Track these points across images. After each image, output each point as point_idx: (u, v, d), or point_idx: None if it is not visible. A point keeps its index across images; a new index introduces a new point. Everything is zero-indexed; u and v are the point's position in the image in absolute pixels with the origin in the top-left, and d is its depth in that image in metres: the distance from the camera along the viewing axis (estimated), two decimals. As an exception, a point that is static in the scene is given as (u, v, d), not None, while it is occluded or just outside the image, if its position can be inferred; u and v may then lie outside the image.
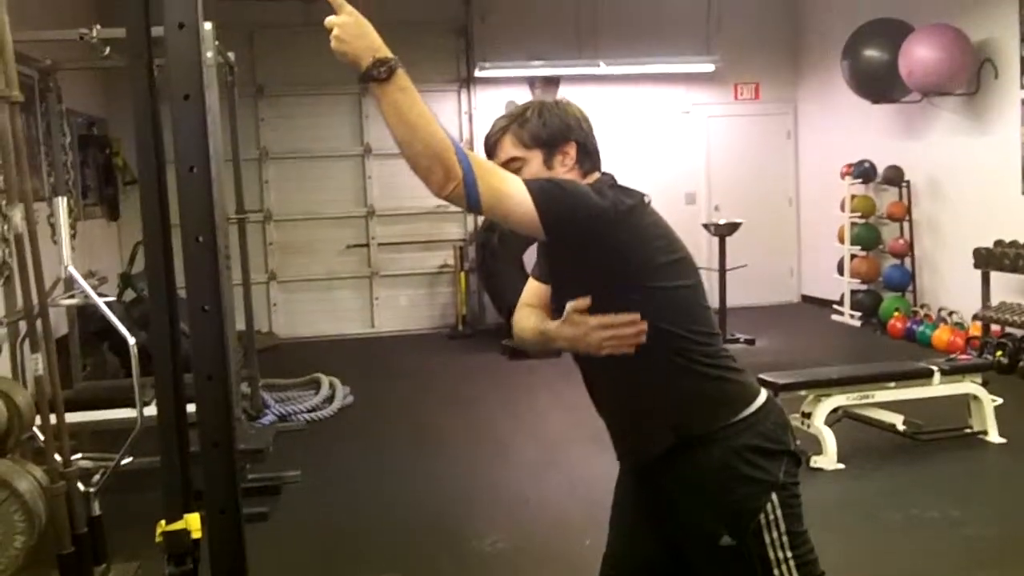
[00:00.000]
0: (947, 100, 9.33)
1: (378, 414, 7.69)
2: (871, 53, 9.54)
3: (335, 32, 2.02)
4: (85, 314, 6.68)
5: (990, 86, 8.90)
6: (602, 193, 2.24)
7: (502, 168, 2.36)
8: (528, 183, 2.16)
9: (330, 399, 7.87)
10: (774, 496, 2.26)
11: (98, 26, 5.64)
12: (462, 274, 11.43)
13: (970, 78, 8.96)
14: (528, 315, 2.48)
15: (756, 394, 2.35)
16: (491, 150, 2.46)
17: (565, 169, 2.41)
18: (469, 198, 2.07)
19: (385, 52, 2.02)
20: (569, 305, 2.25)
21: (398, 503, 5.60)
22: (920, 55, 8.81)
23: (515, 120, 2.43)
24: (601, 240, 2.20)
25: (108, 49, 5.77)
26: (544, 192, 2.16)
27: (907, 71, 8.94)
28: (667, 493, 2.36)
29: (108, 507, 4.44)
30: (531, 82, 11.68)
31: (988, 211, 8.99)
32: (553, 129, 2.41)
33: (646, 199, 2.33)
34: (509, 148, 2.41)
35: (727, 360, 2.36)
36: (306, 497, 5.71)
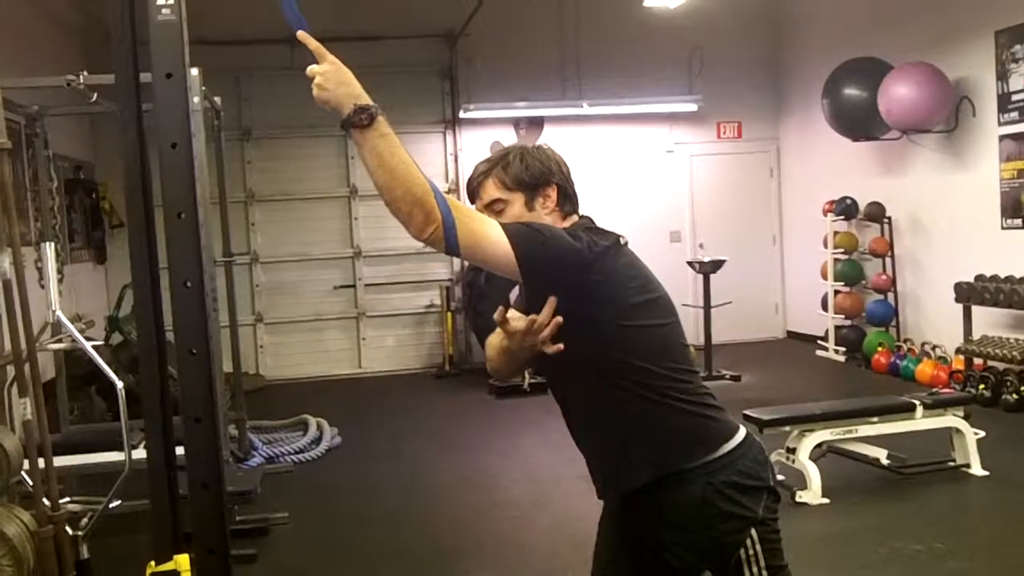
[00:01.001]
0: (926, 137, 9.44)
1: (366, 455, 7.68)
2: (850, 91, 9.66)
3: (317, 80, 2.09)
4: (72, 358, 6.69)
5: (968, 123, 9.02)
6: (577, 236, 2.29)
7: (484, 210, 2.42)
8: (505, 226, 2.22)
9: (317, 440, 7.86)
10: (754, 532, 2.30)
11: (85, 72, 5.69)
12: (449, 314, 11.47)
13: (948, 115, 9.08)
14: (494, 338, 2.53)
15: (735, 431, 2.39)
16: (474, 192, 2.52)
17: (546, 211, 2.47)
18: (448, 241, 2.12)
19: (366, 99, 2.08)
20: (495, 317, 2.33)
21: (386, 543, 5.60)
22: (899, 93, 8.93)
23: (498, 164, 2.49)
24: (576, 281, 2.26)
25: (95, 95, 5.82)
26: (520, 235, 2.21)
27: (886, 109, 9.06)
28: (648, 528, 2.39)
29: (97, 551, 4.42)
30: (516, 123, 11.78)
31: (969, 246, 9.07)
32: (535, 172, 2.47)
33: (621, 240, 2.38)
34: (492, 190, 2.47)
35: (705, 397, 2.40)
36: (294, 538, 5.70)
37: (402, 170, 2.08)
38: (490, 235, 2.19)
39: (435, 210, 2.10)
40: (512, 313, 2.35)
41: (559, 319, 2.25)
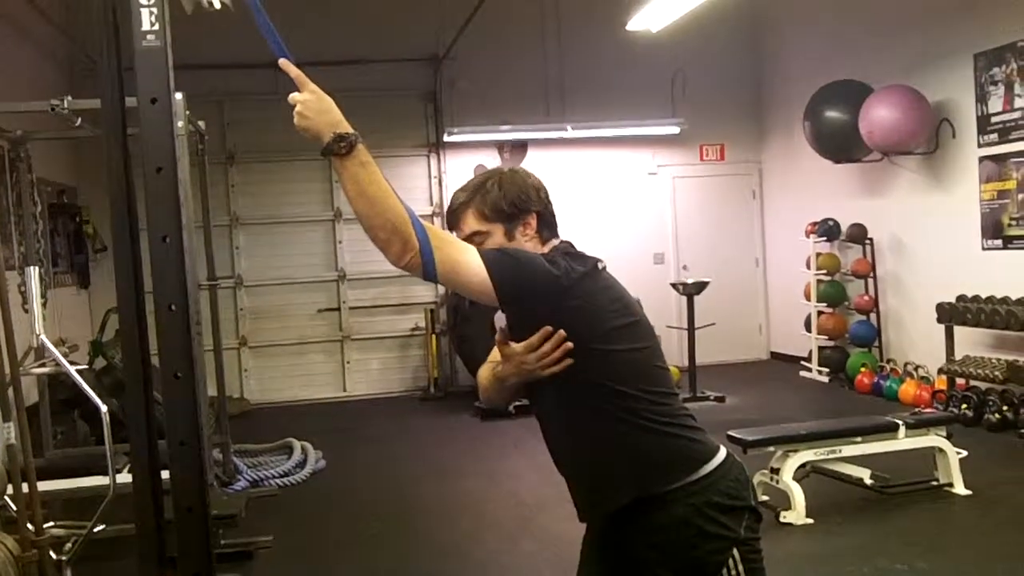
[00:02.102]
0: (907, 159, 9.51)
1: (350, 478, 7.67)
2: (832, 114, 9.73)
3: (298, 108, 2.11)
4: (56, 382, 6.67)
5: (948, 145, 9.09)
6: (555, 262, 2.31)
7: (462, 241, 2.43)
8: (483, 253, 2.24)
9: (302, 464, 7.84)
10: (735, 552, 2.31)
11: (69, 97, 5.70)
12: (433, 337, 11.46)
13: (929, 137, 9.15)
14: (486, 368, 2.55)
15: (714, 452, 2.40)
16: (454, 223, 2.53)
17: (527, 239, 2.48)
18: (425, 267, 2.15)
19: (346, 127, 2.10)
20: (496, 339, 2.36)
21: (371, 567, 5.59)
22: (879, 115, 8.99)
23: (476, 193, 2.48)
24: (554, 306, 2.28)
25: (79, 120, 5.83)
26: (498, 262, 2.24)
27: (867, 131, 9.12)
28: (630, 550, 2.40)
29: (80, 576, 4.42)
30: (500, 146, 11.82)
31: (950, 267, 9.13)
32: (513, 200, 2.47)
33: (600, 265, 2.40)
34: (472, 223, 2.47)
35: (685, 419, 2.40)
36: (279, 562, 5.68)
37: (380, 198, 2.11)
38: (469, 262, 2.21)
39: (412, 238, 2.13)
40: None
41: (569, 345, 2.28)
